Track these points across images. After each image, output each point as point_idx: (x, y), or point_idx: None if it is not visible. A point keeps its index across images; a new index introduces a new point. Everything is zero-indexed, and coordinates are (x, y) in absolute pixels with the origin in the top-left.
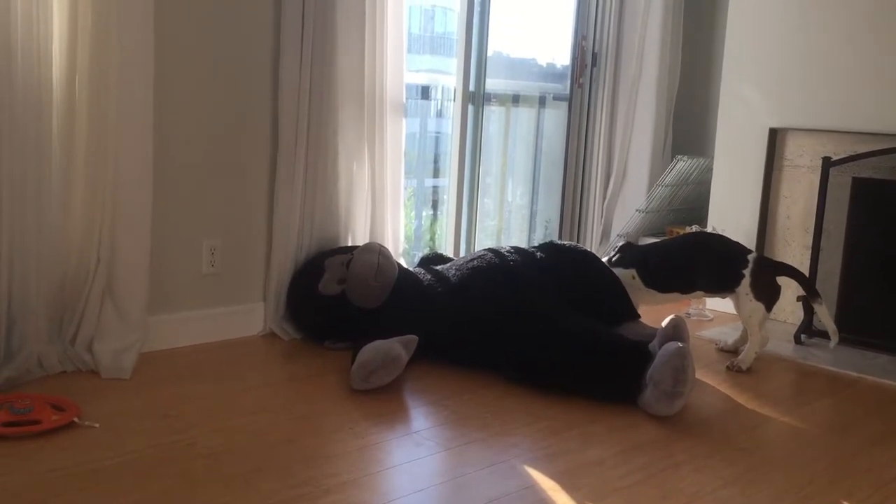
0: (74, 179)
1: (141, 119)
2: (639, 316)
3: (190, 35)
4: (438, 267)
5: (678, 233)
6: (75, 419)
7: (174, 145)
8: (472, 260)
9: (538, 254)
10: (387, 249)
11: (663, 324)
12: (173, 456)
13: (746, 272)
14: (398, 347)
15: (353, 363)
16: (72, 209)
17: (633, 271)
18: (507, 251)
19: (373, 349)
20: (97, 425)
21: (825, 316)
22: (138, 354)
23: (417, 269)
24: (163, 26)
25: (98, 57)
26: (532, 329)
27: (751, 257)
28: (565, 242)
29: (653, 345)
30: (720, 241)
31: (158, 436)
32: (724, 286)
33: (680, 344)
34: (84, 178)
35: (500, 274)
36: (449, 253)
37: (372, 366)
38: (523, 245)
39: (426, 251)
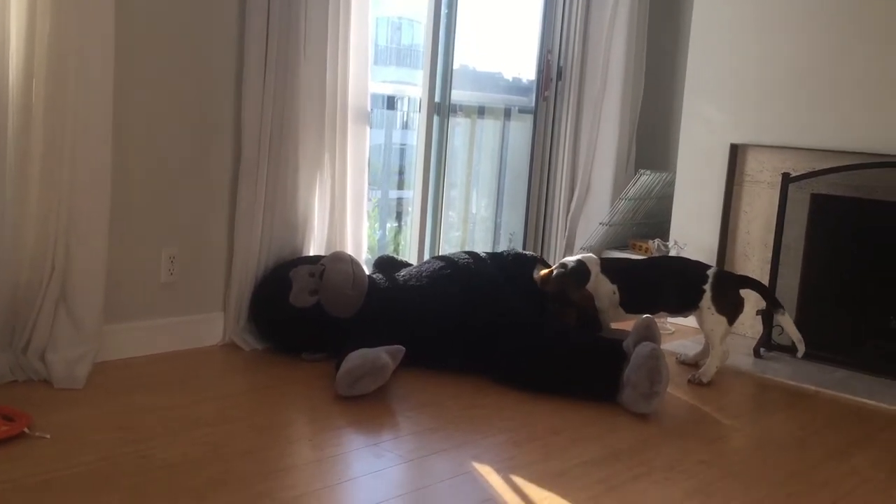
0: (29, 184)
1: (99, 124)
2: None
3: (152, 40)
4: (402, 272)
5: (641, 246)
6: (25, 430)
7: (133, 151)
8: (439, 265)
9: (489, 260)
10: (355, 258)
11: (634, 324)
12: (126, 468)
13: (707, 287)
14: (385, 356)
15: (337, 370)
16: (26, 215)
17: (615, 287)
18: (465, 258)
19: (360, 356)
20: (48, 436)
21: (789, 326)
22: (93, 364)
23: (379, 276)
24: (124, 32)
25: (56, 61)
26: (514, 332)
27: (710, 272)
28: (503, 251)
29: (626, 343)
30: (678, 261)
31: (112, 448)
32: (686, 304)
33: (653, 346)
34: (39, 184)
35: (475, 278)
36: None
37: (359, 372)
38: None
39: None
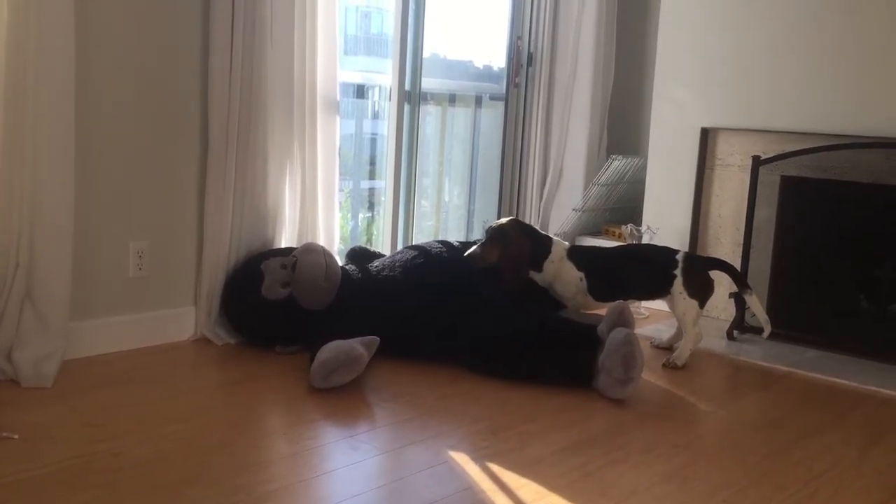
0: None
1: (61, 114)
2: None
3: (114, 27)
4: (375, 263)
5: (614, 231)
6: None
7: (97, 143)
8: (412, 255)
9: (462, 249)
10: (328, 249)
11: (608, 310)
12: (97, 467)
13: (678, 272)
14: (359, 347)
15: (311, 362)
16: None
17: (582, 274)
18: (438, 247)
19: (334, 348)
20: (16, 436)
21: (757, 306)
22: (61, 362)
23: (351, 267)
24: (85, 17)
25: (14, 52)
26: (488, 320)
27: (679, 256)
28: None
29: (601, 328)
30: (647, 248)
31: (81, 446)
32: (658, 290)
33: (627, 331)
34: (0, 178)
35: (448, 267)
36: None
37: (333, 364)
38: None
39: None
